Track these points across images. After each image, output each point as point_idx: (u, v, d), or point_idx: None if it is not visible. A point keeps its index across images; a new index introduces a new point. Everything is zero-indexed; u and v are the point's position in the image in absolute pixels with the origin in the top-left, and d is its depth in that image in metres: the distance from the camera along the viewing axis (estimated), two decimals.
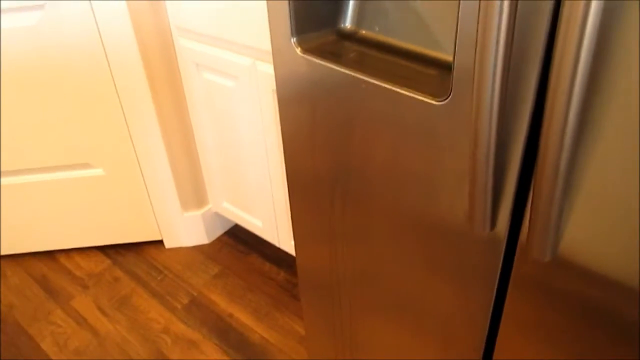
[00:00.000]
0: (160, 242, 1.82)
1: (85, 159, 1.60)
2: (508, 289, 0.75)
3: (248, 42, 1.23)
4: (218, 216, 1.81)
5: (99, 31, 1.38)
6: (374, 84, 0.69)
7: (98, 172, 1.63)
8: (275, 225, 1.55)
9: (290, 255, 1.74)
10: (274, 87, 1.24)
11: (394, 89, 0.67)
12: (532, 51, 0.53)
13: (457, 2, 0.57)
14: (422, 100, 0.65)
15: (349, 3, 0.79)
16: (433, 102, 0.64)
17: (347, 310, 1.10)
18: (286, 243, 1.55)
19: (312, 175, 0.92)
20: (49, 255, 1.81)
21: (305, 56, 0.77)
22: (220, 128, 1.49)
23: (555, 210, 0.55)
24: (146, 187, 1.66)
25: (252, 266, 1.71)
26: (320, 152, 0.85)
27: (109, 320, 1.57)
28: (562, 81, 0.49)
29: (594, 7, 0.45)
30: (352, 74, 0.72)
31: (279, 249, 1.76)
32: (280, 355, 1.44)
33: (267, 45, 1.20)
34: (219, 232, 1.84)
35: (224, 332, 1.51)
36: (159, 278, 1.69)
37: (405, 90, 0.66)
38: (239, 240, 1.82)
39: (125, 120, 1.53)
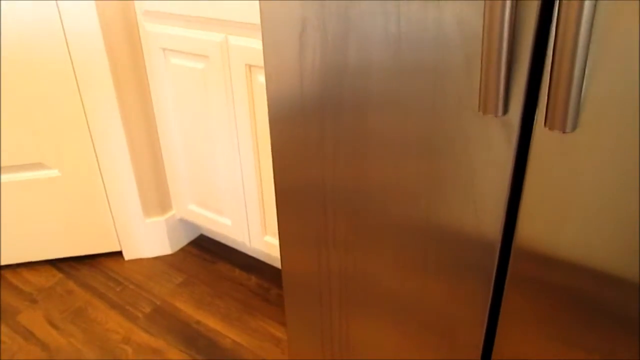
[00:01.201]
0: (119, 253, 1.69)
1: (38, 158, 1.49)
2: (505, 285, 0.74)
3: (219, 16, 1.20)
4: (182, 224, 1.70)
5: (60, 18, 1.32)
6: None
7: (53, 174, 1.52)
8: (245, 223, 1.46)
9: (261, 262, 1.64)
10: (248, 61, 1.20)
11: None
12: None
13: None
14: None
15: None
16: None
17: (337, 312, 1.03)
18: (258, 241, 1.46)
19: (301, 157, 0.87)
20: None
21: None
22: (188, 119, 1.43)
23: (579, 63, 0.52)
24: (105, 190, 1.55)
25: (219, 273, 1.60)
26: (310, 88, 0.80)
27: (61, 334, 1.42)
28: None
29: None
30: None
31: (248, 256, 1.66)
32: (255, 358, 1.32)
33: (238, 17, 1.17)
34: (183, 242, 1.72)
35: (191, 338, 1.38)
36: (117, 289, 1.56)
37: None
38: (204, 249, 1.71)
39: (85, 115, 1.45)
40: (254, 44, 1.17)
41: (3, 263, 1.63)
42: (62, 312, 1.48)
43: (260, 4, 0.79)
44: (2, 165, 1.48)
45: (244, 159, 1.35)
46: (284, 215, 1.00)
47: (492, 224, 0.70)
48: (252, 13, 1.14)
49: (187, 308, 1.48)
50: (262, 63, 1.18)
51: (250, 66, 1.20)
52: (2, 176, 1.50)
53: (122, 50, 1.40)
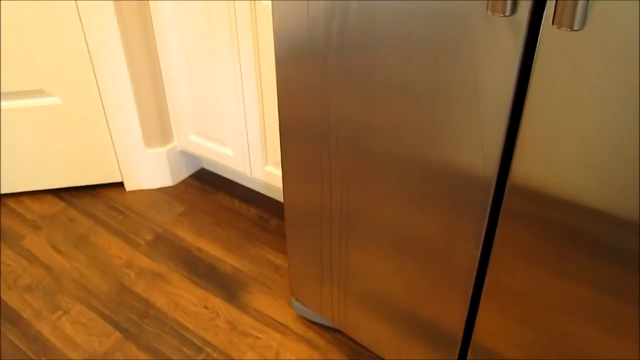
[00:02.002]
0: (121, 184, 1.70)
1: (39, 85, 1.48)
2: (499, 219, 0.76)
3: None
4: (183, 156, 1.71)
5: None
6: None
7: (54, 101, 1.51)
8: (247, 154, 1.47)
9: (261, 194, 1.66)
10: None
11: None
12: None
13: None
14: None
15: None
16: None
17: (337, 241, 1.05)
18: (259, 172, 1.47)
19: (306, 96, 0.87)
20: None
21: None
22: (190, 49, 1.41)
23: None
24: (106, 119, 1.56)
25: (220, 204, 1.62)
26: (316, 21, 0.79)
27: (64, 257, 1.44)
28: None
29: None
30: None
31: (248, 189, 1.68)
32: (255, 284, 1.35)
33: None
34: (184, 174, 1.74)
35: (192, 264, 1.41)
36: (119, 218, 1.58)
37: None
38: (205, 182, 1.73)
39: (86, 42, 1.43)
40: None
41: (5, 191, 1.65)
42: (65, 238, 1.51)
43: None
44: (2, 91, 1.47)
45: (247, 88, 1.35)
46: (287, 146, 1.01)
47: (491, 150, 0.71)
48: None
49: (188, 236, 1.50)
50: None
51: None
52: (3, 102, 1.50)
53: None
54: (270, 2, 1.14)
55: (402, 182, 0.85)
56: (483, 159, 0.73)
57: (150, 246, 1.47)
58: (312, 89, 0.88)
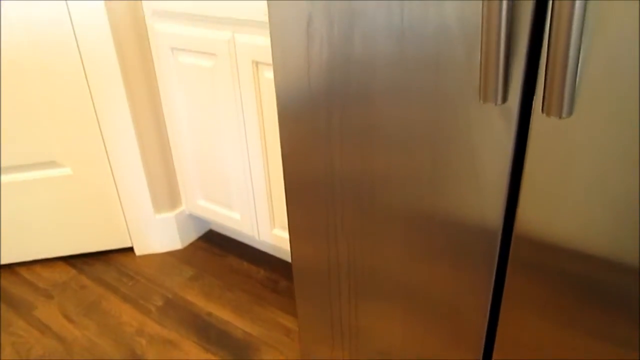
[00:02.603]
0: (130, 249, 1.72)
1: (51, 157, 1.53)
2: (507, 271, 0.77)
3: (226, 14, 1.23)
4: (192, 219, 1.74)
5: (71, 21, 1.36)
6: None
7: (65, 172, 1.56)
8: (254, 217, 1.50)
9: (269, 255, 1.67)
10: (254, 57, 1.23)
11: None
12: None
13: None
14: None
15: None
16: None
17: (346, 301, 1.06)
18: (266, 235, 1.50)
19: (310, 145, 0.90)
20: (8, 268, 1.68)
21: None
22: (196, 116, 1.46)
23: (573, 50, 0.55)
24: (116, 187, 1.59)
25: (229, 267, 1.63)
26: (318, 79, 0.83)
27: (76, 327, 1.46)
28: None
29: None
30: None
31: (256, 250, 1.70)
32: (266, 348, 1.35)
33: (245, 15, 1.20)
34: (193, 236, 1.76)
35: (203, 330, 1.42)
36: (129, 283, 1.59)
37: None
38: (214, 244, 1.75)
39: (96, 114, 1.48)
40: (260, 41, 1.20)
41: (17, 260, 1.67)
42: (76, 306, 1.52)
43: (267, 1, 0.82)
44: (16, 164, 1.52)
45: (252, 153, 1.39)
46: (293, 206, 1.03)
47: (493, 210, 0.73)
48: (257, 11, 1.17)
49: (198, 300, 1.51)
50: (268, 60, 1.21)
51: (257, 63, 1.24)
52: (16, 175, 1.54)
53: (131, 49, 1.44)
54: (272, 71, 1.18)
55: (407, 236, 0.87)
56: (486, 210, 0.75)
57: (161, 312, 1.48)
58: (315, 144, 0.91)
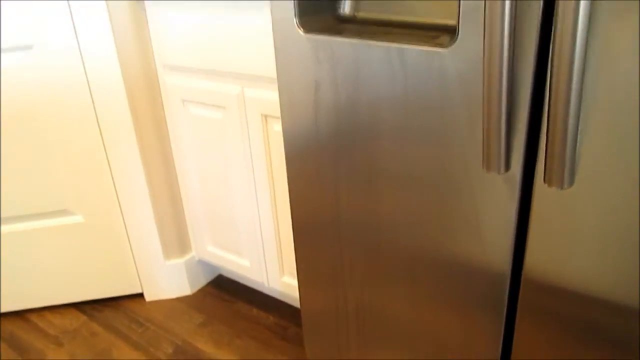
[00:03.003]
0: (140, 295, 1.73)
1: (63, 205, 1.56)
2: (516, 317, 0.77)
3: (236, 70, 1.27)
4: (201, 265, 1.75)
5: (85, 72, 1.40)
6: (378, 46, 0.72)
7: (77, 220, 1.58)
8: (263, 264, 1.51)
9: (279, 301, 1.68)
10: (263, 111, 1.26)
11: (399, 46, 0.70)
12: None
13: None
14: (430, 51, 0.68)
15: None
16: (440, 49, 0.67)
17: (354, 346, 1.07)
18: (276, 282, 1.50)
19: (318, 195, 0.92)
20: (18, 314, 1.70)
21: (309, 35, 0.80)
22: (206, 165, 1.49)
23: (572, 120, 0.57)
24: (127, 234, 1.61)
25: (238, 313, 1.64)
26: (326, 141, 0.86)
27: None
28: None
29: None
30: (356, 41, 0.74)
31: (266, 296, 1.70)
32: None
33: (254, 70, 1.24)
34: (202, 282, 1.77)
35: None
36: (139, 331, 1.60)
37: (412, 45, 0.69)
38: (223, 289, 1.75)
39: (108, 162, 1.52)
40: (269, 95, 1.24)
41: (28, 307, 1.69)
42: (87, 355, 1.53)
43: (277, 66, 0.86)
44: (29, 213, 1.55)
45: (261, 202, 1.41)
46: (301, 250, 1.04)
47: (499, 258, 0.74)
48: (266, 67, 1.21)
49: (207, 348, 1.52)
50: (277, 113, 1.24)
51: (265, 116, 1.27)
52: (29, 223, 1.57)
53: (142, 100, 1.48)
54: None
55: (414, 280, 0.87)
56: (493, 254, 0.75)
57: None
58: (322, 185, 0.92)
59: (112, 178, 1.53)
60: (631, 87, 0.56)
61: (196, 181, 1.55)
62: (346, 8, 0.84)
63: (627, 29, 0.54)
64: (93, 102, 1.44)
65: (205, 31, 1.28)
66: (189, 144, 1.49)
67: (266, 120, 1.27)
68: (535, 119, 0.65)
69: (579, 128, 0.60)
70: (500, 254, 0.73)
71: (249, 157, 1.36)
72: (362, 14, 0.82)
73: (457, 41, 0.65)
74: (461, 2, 0.63)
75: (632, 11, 0.53)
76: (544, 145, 0.61)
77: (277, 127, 1.27)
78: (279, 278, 1.49)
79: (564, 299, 0.71)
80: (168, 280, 1.70)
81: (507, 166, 0.66)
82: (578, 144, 0.61)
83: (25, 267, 1.62)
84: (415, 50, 0.69)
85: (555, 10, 0.54)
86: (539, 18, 0.59)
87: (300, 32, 0.80)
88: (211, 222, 1.59)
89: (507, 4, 0.58)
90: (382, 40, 0.72)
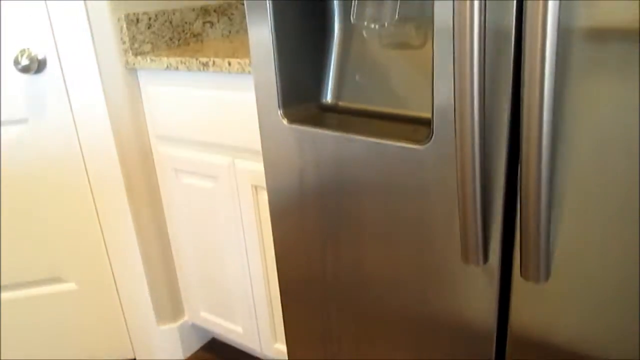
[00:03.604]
0: None
1: (56, 273, 1.56)
2: None
3: (226, 142, 1.30)
4: (195, 329, 1.74)
5: (79, 142, 1.43)
6: (359, 139, 0.75)
7: (69, 287, 1.58)
8: (256, 331, 1.50)
9: None
10: (253, 182, 1.29)
11: (379, 140, 0.73)
12: (502, 83, 0.61)
13: (431, 60, 0.65)
14: (407, 147, 0.70)
15: (329, 79, 0.87)
16: (416, 146, 0.70)
17: None
18: (269, 349, 1.50)
19: (304, 258, 0.94)
20: None
21: (292, 126, 0.83)
22: (198, 232, 1.50)
23: (544, 220, 0.59)
24: (120, 300, 1.61)
25: None
26: (310, 220, 0.88)
27: None
28: (532, 101, 0.56)
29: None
30: (338, 134, 0.77)
31: None
32: None
33: (244, 143, 1.27)
34: (195, 346, 1.76)
35: None
36: None
37: (390, 140, 0.72)
38: (216, 353, 1.74)
39: (101, 230, 1.53)
40: (259, 167, 1.26)
41: None
42: None
43: (262, 152, 0.88)
44: (22, 280, 1.55)
45: (253, 269, 1.42)
46: (289, 313, 1.04)
47: (486, 306, 0.74)
48: (256, 139, 1.24)
49: None
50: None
51: (255, 187, 1.29)
52: (22, 291, 1.57)
53: (135, 169, 1.50)
54: None
55: (403, 337, 0.86)
56: (479, 311, 0.75)
57: None
58: (308, 241, 0.93)
59: (105, 245, 1.55)
60: (599, 189, 0.58)
61: (189, 247, 1.56)
62: (329, 97, 0.87)
63: (590, 128, 0.57)
64: (86, 171, 1.47)
65: (197, 104, 1.31)
66: (182, 211, 1.51)
67: (256, 190, 1.30)
68: (511, 211, 0.67)
69: (552, 225, 0.62)
70: (483, 323, 0.74)
71: (240, 225, 1.38)
72: (344, 103, 0.85)
73: (432, 139, 0.68)
74: (434, 103, 0.66)
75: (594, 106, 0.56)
76: (519, 243, 0.63)
77: (267, 198, 1.29)
78: (272, 345, 1.48)
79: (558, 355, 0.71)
80: (161, 346, 1.68)
81: (485, 258, 0.68)
82: (552, 239, 0.63)
83: (18, 333, 1.61)
84: (393, 146, 0.71)
85: (520, 121, 0.57)
86: (508, 118, 0.62)
87: (285, 122, 0.83)
88: (204, 287, 1.59)
89: (476, 106, 0.61)
90: (363, 134, 0.75)
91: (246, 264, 1.42)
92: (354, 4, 0.77)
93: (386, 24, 0.76)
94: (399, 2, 0.75)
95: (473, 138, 0.62)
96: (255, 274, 1.42)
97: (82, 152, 1.44)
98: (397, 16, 0.75)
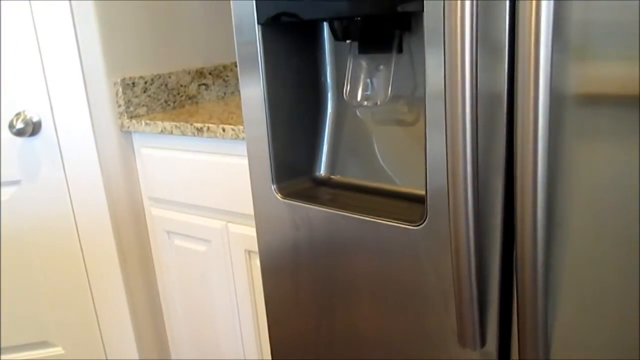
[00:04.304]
0: None
1: (43, 337, 1.52)
2: None
3: (220, 206, 1.29)
4: None
5: (71, 203, 1.42)
6: (353, 217, 0.75)
7: (57, 351, 1.54)
8: None
9: None
10: (247, 247, 1.27)
11: (373, 219, 0.73)
12: (495, 164, 0.61)
13: (424, 137, 0.66)
14: (400, 227, 0.70)
15: (322, 153, 0.87)
16: (410, 227, 0.69)
17: None
18: None
19: (297, 333, 0.92)
20: None
21: (286, 201, 0.82)
22: (190, 295, 1.48)
23: (541, 306, 0.58)
24: None
25: None
26: (303, 288, 0.86)
27: None
28: (525, 176, 0.56)
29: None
30: (332, 211, 0.77)
31: None
32: None
33: (237, 208, 1.26)
34: None
35: None
36: None
37: (384, 220, 0.72)
38: None
39: (91, 293, 1.50)
40: (253, 232, 1.25)
41: None
42: None
43: (256, 225, 0.88)
44: (7, 345, 1.51)
45: (245, 334, 1.39)
46: None
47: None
48: (249, 205, 1.24)
49: None
50: None
51: (249, 251, 1.28)
52: (6, 356, 1.52)
53: (128, 230, 1.49)
54: None
55: None
56: None
57: None
58: (300, 308, 0.90)
59: (95, 309, 1.51)
60: (595, 268, 0.57)
61: (180, 310, 1.53)
62: (322, 170, 0.87)
63: (586, 205, 0.57)
64: (78, 233, 1.45)
65: (190, 167, 1.31)
66: (174, 274, 1.49)
67: (249, 255, 1.28)
68: (508, 294, 0.66)
69: (549, 311, 0.61)
70: None
71: (233, 290, 1.36)
72: (337, 178, 0.86)
73: (427, 220, 0.68)
74: (427, 184, 0.66)
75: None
76: (516, 327, 0.62)
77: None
78: None
79: None
80: None
81: (483, 343, 0.66)
82: (550, 323, 0.62)
83: None
84: (387, 225, 0.71)
85: (514, 206, 0.57)
86: (502, 200, 0.62)
87: (278, 197, 0.83)
88: (196, 350, 1.55)
89: (470, 189, 0.61)
90: (357, 211, 0.75)
91: (238, 328, 1.39)
92: (347, 83, 0.78)
93: (378, 102, 0.77)
94: (391, 81, 0.76)
95: (467, 225, 0.62)
96: (248, 339, 1.39)
97: (74, 214, 1.43)
98: (389, 95, 0.76)
